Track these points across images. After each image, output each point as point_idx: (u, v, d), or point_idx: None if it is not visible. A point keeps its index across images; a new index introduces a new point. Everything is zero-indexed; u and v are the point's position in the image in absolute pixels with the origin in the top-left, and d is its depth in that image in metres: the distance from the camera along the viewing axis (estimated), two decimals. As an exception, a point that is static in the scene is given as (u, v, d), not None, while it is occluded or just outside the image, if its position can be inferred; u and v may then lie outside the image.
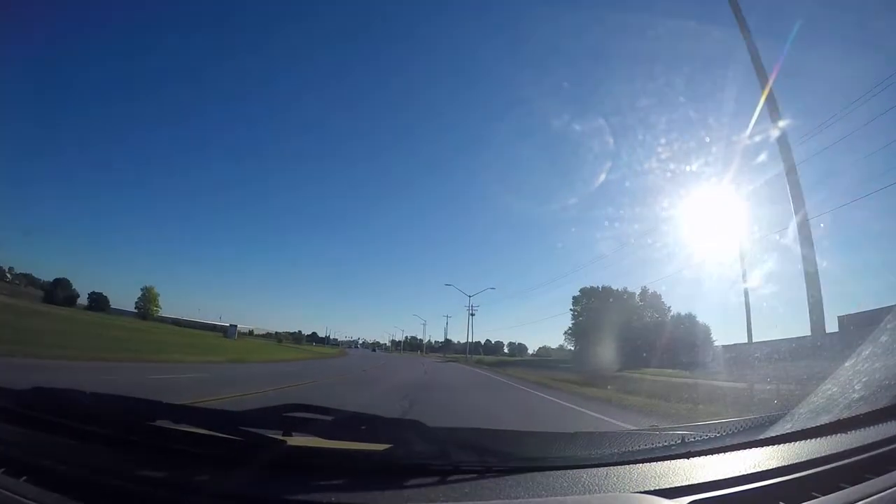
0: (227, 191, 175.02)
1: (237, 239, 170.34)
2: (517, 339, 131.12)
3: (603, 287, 52.54)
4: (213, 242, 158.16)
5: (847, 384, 2.12)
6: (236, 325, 68.30)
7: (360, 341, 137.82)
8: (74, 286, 69.89)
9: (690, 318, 41.94)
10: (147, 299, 74.82)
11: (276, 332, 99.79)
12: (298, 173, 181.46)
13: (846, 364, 2.28)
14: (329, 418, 1.33)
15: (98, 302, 72.54)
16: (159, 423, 1.27)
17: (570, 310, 55.98)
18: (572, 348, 60.30)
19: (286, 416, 1.32)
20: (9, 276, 77.88)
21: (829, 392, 2.18)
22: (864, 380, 2.05)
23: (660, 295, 47.79)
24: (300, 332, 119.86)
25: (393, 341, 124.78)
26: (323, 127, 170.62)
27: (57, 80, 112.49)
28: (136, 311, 74.51)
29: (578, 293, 55.18)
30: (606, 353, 37.51)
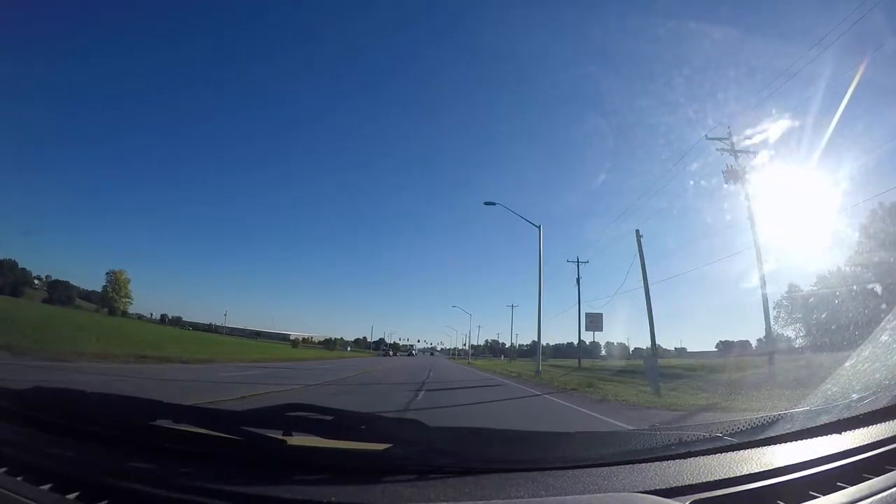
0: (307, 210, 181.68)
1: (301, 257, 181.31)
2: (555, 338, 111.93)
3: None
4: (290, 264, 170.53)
5: (847, 384, 2.13)
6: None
7: (439, 347, 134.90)
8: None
9: None
10: (114, 286, 57.18)
11: (323, 338, 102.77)
12: (372, 184, 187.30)
13: (846, 364, 2.28)
14: (329, 418, 1.33)
15: (59, 292, 60.71)
16: (160, 422, 1.28)
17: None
18: (794, 335, 30.58)
19: (287, 416, 1.33)
20: (36, 282, 72.73)
21: (829, 392, 2.18)
22: (863, 380, 2.06)
23: None
24: (365, 338, 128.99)
25: (472, 346, 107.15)
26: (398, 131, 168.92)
27: (55, 77, 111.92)
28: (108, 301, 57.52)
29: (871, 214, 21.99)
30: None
